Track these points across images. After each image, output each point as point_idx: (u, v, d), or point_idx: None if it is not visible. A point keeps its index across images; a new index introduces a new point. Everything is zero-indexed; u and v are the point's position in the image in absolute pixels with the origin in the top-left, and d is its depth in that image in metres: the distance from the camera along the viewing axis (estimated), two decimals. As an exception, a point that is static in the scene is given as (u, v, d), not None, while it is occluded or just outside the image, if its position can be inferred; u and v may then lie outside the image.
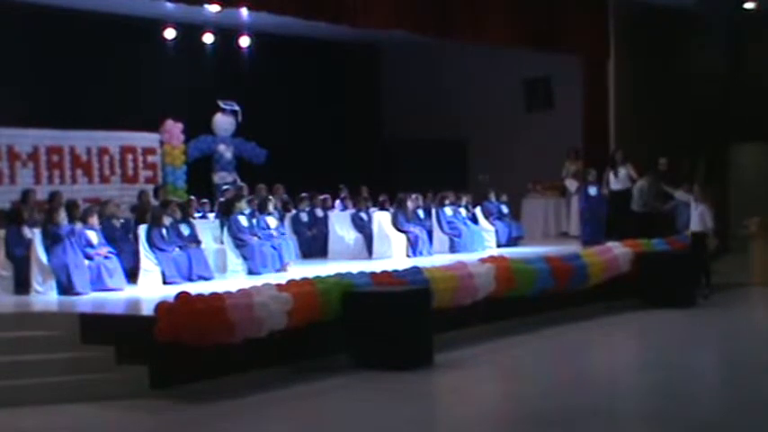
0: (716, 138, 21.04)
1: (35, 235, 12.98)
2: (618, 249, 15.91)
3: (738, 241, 18.78)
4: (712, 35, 20.86)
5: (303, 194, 18.24)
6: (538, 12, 18.41)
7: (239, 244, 14.85)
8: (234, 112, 20.91)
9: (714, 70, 21.06)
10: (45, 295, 12.58)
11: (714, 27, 20.74)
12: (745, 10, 20.22)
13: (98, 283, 12.90)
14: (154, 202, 16.37)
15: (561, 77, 21.47)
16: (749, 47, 21.35)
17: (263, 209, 15.70)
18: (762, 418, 8.78)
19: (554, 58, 20.24)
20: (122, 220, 14.63)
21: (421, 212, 17.90)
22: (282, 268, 14.77)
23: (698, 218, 16.27)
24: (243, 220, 15.10)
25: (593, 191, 18.12)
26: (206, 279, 13.90)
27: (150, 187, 18.11)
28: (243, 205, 15.43)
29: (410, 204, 17.69)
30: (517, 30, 18.10)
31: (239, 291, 10.54)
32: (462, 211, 18.50)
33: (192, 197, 17.70)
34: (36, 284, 12.73)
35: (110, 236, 13.80)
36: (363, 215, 17.65)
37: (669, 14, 20.04)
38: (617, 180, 18.30)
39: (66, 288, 12.63)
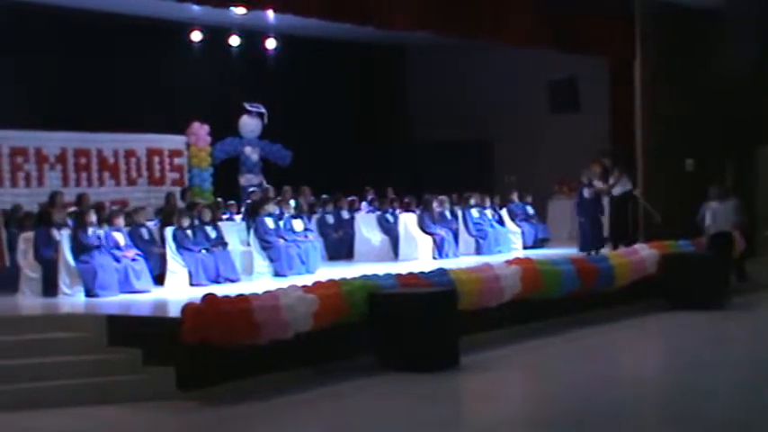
0: (743, 139, 20.88)
1: (63, 237, 13.06)
2: (644, 251, 15.83)
3: (765, 243, 18.63)
4: (740, 35, 20.69)
5: (324, 197, 18.29)
6: (563, 13, 18.32)
7: (265, 246, 14.88)
8: (260, 114, 20.96)
9: (741, 71, 20.89)
10: (72, 297, 12.65)
11: (741, 27, 20.58)
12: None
13: (125, 285, 12.96)
14: (181, 205, 16.44)
15: (587, 78, 21.39)
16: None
17: (295, 212, 15.75)
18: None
19: (580, 58, 20.15)
20: (149, 224, 14.70)
21: (447, 214, 17.88)
22: (309, 271, 14.79)
23: (722, 217, 16.16)
24: (269, 222, 15.13)
25: (587, 193, 17.20)
26: (232, 281, 13.94)
27: (177, 189, 18.19)
28: (270, 207, 15.46)
29: (436, 206, 17.68)
30: (542, 31, 18.02)
31: (265, 292, 10.57)
32: (488, 212, 18.47)
33: (219, 199, 17.78)
34: (64, 286, 12.81)
35: (137, 240, 13.87)
36: (389, 217, 17.66)
37: (696, 14, 19.91)
38: (620, 185, 17.39)
39: (93, 290, 12.69)
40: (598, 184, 17.21)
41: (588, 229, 16.93)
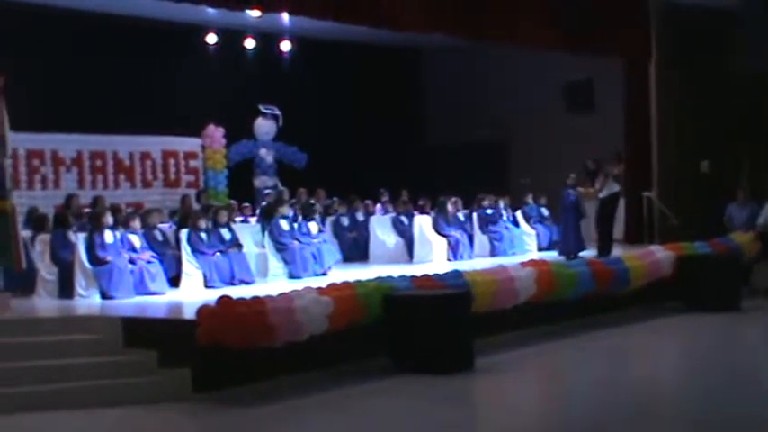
0: (759, 139, 20.79)
1: (79, 239, 13.12)
2: (660, 253, 15.76)
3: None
4: (755, 36, 20.61)
5: (334, 199, 18.33)
6: (577, 14, 18.29)
7: (280, 248, 14.91)
8: (275, 117, 21.02)
9: (758, 71, 20.81)
10: (88, 299, 12.71)
11: (757, 28, 20.50)
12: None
13: (140, 287, 13.01)
14: (196, 207, 16.49)
15: (603, 79, 21.34)
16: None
17: (306, 214, 15.75)
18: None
19: (595, 60, 20.10)
20: (165, 227, 14.74)
21: (461, 216, 17.87)
22: (324, 272, 14.82)
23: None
24: (284, 225, 15.16)
25: (572, 196, 16.99)
26: (247, 283, 13.97)
27: (192, 192, 18.24)
28: (285, 209, 15.48)
29: (450, 208, 17.67)
30: (556, 32, 17.98)
31: (280, 295, 10.57)
32: (503, 214, 18.46)
33: (234, 201, 17.82)
34: (80, 288, 12.87)
35: (152, 242, 13.91)
36: (404, 219, 17.66)
37: (712, 14, 19.84)
38: (606, 188, 16.78)
39: (108, 292, 12.73)
40: (583, 188, 17.09)
41: (571, 233, 16.76)
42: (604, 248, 16.43)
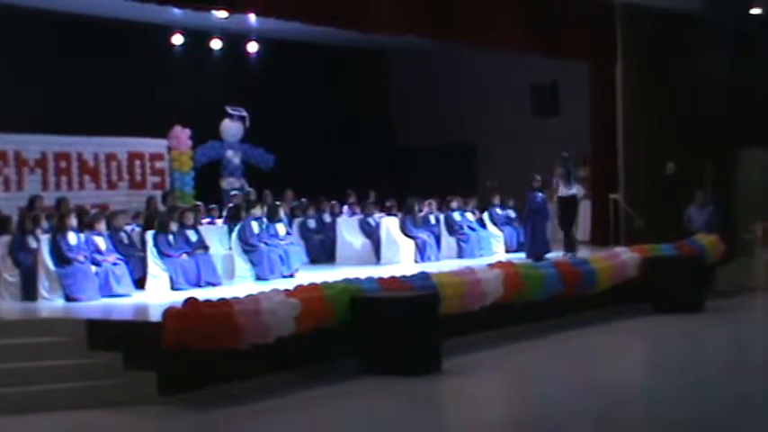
0: (723, 142, 21.00)
1: (42, 241, 12.98)
2: (626, 254, 15.87)
3: (744, 245, 18.73)
4: (719, 39, 20.81)
5: (302, 200, 18.30)
6: (545, 17, 18.37)
7: (248, 249, 14.84)
8: (242, 118, 20.92)
9: (721, 74, 21.01)
10: (52, 301, 12.58)
11: (721, 31, 20.69)
12: (752, 15, 20.18)
13: (106, 289, 12.90)
14: (162, 208, 16.38)
15: (569, 82, 21.42)
16: (756, 51, 21.29)
17: (272, 216, 15.68)
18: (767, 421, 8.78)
19: (562, 62, 20.19)
20: (130, 228, 14.64)
21: (432, 218, 17.88)
22: (291, 274, 14.77)
23: None
24: (255, 226, 15.09)
25: (539, 198, 16.91)
26: (214, 285, 13.89)
27: (158, 193, 18.12)
28: (257, 211, 15.40)
29: (418, 209, 17.67)
30: (524, 35, 18.04)
31: (247, 297, 10.53)
32: (470, 215, 18.49)
33: (200, 203, 17.72)
34: (43, 291, 12.74)
35: (117, 244, 13.80)
36: (371, 220, 17.64)
37: (676, 19, 19.99)
38: (568, 186, 16.83)
39: (73, 295, 12.62)
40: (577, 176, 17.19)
41: (537, 235, 16.78)
42: (570, 245, 16.65)
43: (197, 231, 14.59)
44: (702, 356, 12.39)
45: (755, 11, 19.88)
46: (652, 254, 16.15)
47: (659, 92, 20.16)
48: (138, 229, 14.67)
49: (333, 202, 18.59)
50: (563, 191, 16.78)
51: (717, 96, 20.77)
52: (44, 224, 13.80)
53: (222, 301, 10.24)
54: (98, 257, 13.14)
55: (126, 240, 14.13)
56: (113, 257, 13.30)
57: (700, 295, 15.54)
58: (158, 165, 19.47)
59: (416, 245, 17.11)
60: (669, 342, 13.42)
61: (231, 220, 16.08)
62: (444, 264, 16.13)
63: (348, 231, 17.61)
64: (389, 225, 17.25)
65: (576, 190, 16.87)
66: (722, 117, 20.69)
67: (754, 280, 17.68)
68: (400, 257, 16.80)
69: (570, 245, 16.66)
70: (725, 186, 20.75)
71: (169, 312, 9.90)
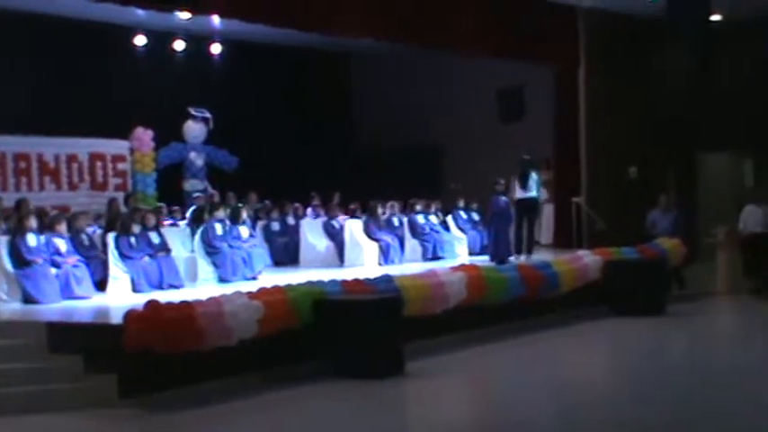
0: (684, 146, 21.18)
1: (1, 243, 12.82)
2: (588, 257, 15.95)
3: (706, 249, 18.89)
4: (681, 44, 20.98)
5: (266, 202, 18.24)
6: (509, 21, 18.45)
7: (211, 251, 14.77)
8: (205, 120, 20.83)
9: (683, 79, 21.20)
10: (10, 304, 12.42)
11: (682, 37, 20.86)
12: (712, 21, 20.37)
13: (66, 292, 12.77)
14: (124, 210, 16.25)
15: (535, 86, 21.50)
16: (717, 56, 21.50)
17: (235, 218, 15.60)
18: (727, 424, 8.83)
19: (528, 66, 20.27)
20: (91, 230, 14.51)
21: (395, 220, 17.87)
22: (254, 277, 14.71)
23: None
24: (218, 228, 15.01)
25: (503, 202, 16.67)
26: (176, 287, 13.79)
27: (120, 195, 17.98)
28: (221, 213, 15.33)
29: (381, 212, 17.66)
30: (487, 38, 18.12)
31: (209, 299, 10.47)
32: (433, 218, 18.51)
33: (162, 205, 17.62)
34: (2, 293, 12.57)
35: (78, 246, 13.67)
36: (335, 223, 17.61)
37: (638, 23, 20.15)
38: (526, 188, 16.80)
39: (32, 297, 12.48)
40: (537, 178, 17.21)
41: (500, 239, 16.69)
42: (528, 246, 16.85)
43: (159, 233, 14.49)
44: (663, 359, 12.46)
45: (716, 16, 20.06)
46: (614, 257, 16.23)
47: (622, 96, 20.30)
48: (99, 231, 14.54)
49: (296, 204, 18.56)
50: (520, 193, 16.82)
51: (679, 101, 20.95)
52: (3, 225, 13.67)
53: (184, 303, 10.18)
54: (58, 259, 13.00)
55: (87, 242, 13.99)
56: (74, 259, 13.17)
57: (661, 298, 15.64)
58: (120, 166, 19.32)
59: (380, 247, 17.10)
60: (631, 345, 13.50)
61: (194, 222, 15.99)
62: (408, 266, 16.13)
63: (312, 234, 17.58)
64: (353, 227, 17.23)
65: (534, 192, 16.93)
66: (684, 121, 20.88)
67: (716, 284, 17.82)
68: (364, 260, 16.78)
69: (528, 247, 16.79)
70: (687, 190, 20.92)
71: (130, 315, 9.82)
